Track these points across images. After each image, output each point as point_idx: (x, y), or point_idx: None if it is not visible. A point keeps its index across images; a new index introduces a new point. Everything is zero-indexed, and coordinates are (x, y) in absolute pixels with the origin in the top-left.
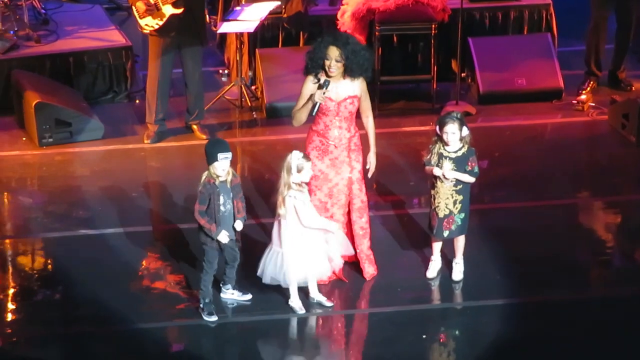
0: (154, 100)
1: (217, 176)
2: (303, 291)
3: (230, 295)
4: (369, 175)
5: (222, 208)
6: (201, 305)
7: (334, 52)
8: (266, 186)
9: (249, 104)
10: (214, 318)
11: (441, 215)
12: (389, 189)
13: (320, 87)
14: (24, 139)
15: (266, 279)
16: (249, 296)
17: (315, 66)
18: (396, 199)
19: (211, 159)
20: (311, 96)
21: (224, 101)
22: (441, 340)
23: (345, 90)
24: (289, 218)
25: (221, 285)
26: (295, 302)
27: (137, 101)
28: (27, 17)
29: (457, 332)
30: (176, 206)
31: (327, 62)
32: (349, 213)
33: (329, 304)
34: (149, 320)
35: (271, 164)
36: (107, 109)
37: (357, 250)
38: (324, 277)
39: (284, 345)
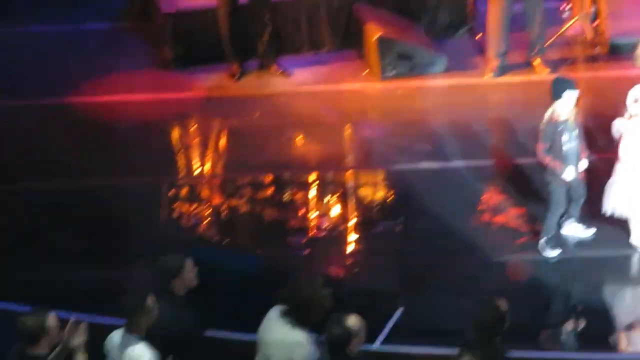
0: (496, 34)
1: (561, 113)
2: None
3: (573, 230)
4: None
5: (566, 145)
6: (544, 240)
7: None
8: (607, 123)
9: (592, 40)
10: (557, 252)
11: None
12: None
13: None
14: (366, 72)
15: (607, 209)
16: (592, 230)
17: None
18: None
19: (557, 95)
20: None
21: (565, 37)
22: None
23: None
24: (622, 143)
25: (562, 220)
26: (638, 238)
27: (479, 35)
28: None
29: None
30: (517, 141)
31: None
32: None
33: None
34: (490, 253)
35: (614, 101)
36: (448, 43)
37: None
38: None
39: (627, 282)
